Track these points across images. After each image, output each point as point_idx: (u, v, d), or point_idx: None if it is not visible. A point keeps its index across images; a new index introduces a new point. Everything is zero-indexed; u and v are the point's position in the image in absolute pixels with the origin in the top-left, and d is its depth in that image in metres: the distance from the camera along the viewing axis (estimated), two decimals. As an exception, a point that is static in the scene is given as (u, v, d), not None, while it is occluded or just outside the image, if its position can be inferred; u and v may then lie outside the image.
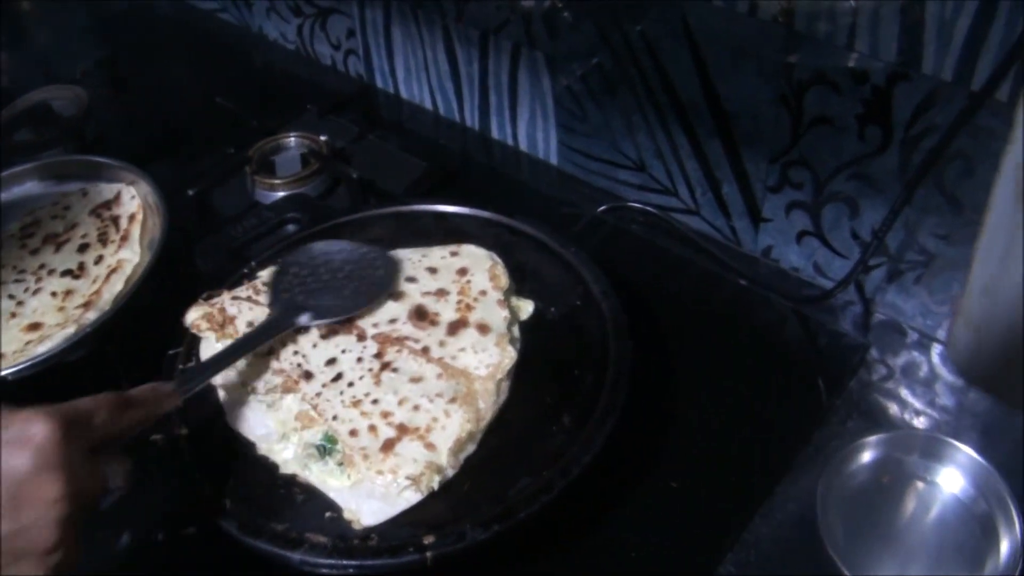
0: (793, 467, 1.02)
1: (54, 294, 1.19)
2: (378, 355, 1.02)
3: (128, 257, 1.21)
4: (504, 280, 1.09)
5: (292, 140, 1.49)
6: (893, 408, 1.09)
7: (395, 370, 1.00)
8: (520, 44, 1.37)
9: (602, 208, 1.37)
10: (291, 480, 0.95)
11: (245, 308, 1.08)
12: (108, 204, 1.31)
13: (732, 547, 0.96)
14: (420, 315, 1.05)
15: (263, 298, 1.09)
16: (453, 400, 0.96)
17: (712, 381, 1.12)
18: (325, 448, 0.95)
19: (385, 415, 0.96)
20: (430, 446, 0.93)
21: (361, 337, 1.04)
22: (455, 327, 1.04)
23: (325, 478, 0.94)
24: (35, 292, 1.19)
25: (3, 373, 1.05)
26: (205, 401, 1.02)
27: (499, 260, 1.12)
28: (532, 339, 1.06)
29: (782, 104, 1.10)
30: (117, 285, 1.18)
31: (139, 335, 1.13)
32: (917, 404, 1.09)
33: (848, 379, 1.11)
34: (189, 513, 0.98)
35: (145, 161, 1.38)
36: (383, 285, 1.08)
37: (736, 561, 0.95)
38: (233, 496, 0.94)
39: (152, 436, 0.99)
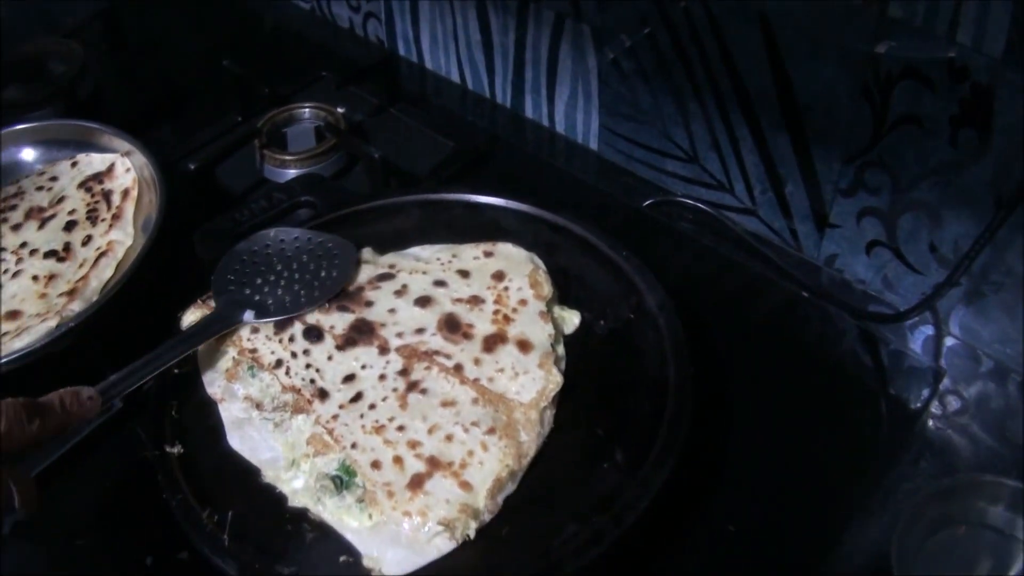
0: (861, 512, 0.92)
1: (35, 278, 1.08)
2: (404, 372, 0.91)
3: (120, 239, 1.11)
4: (547, 288, 0.98)
5: (306, 111, 1.38)
6: (966, 446, 0.99)
7: (424, 391, 0.89)
8: (564, 15, 1.25)
9: (648, 202, 1.26)
10: (301, 515, 0.84)
11: (247, 311, 0.98)
12: (99, 177, 1.20)
13: (797, 603, 0.87)
14: (452, 326, 0.94)
15: None
16: (491, 431, 0.85)
17: (769, 406, 1.02)
18: (342, 481, 0.84)
19: (413, 445, 0.85)
20: (465, 485, 0.82)
21: (383, 350, 0.93)
22: (492, 342, 0.93)
23: (342, 516, 0.83)
24: (15, 275, 1.09)
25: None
26: (204, 416, 0.92)
27: (541, 263, 1.01)
28: (578, 357, 0.95)
29: (864, 98, 1.00)
30: (106, 271, 1.08)
31: (129, 329, 1.01)
32: (992, 443, 0.99)
33: (920, 410, 1.01)
34: (181, 535, 0.86)
35: (143, 127, 1.29)
36: (338, 281, 1.00)
37: (802, 619, 0.86)
38: (232, 530, 0.83)
39: (145, 452, 0.90)
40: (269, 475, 0.87)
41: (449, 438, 0.85)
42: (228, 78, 1.42)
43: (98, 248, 1.10)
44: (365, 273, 1.01)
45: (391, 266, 1.02)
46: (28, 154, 1.27)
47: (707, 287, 1.15)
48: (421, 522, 0.80)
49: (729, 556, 0.89)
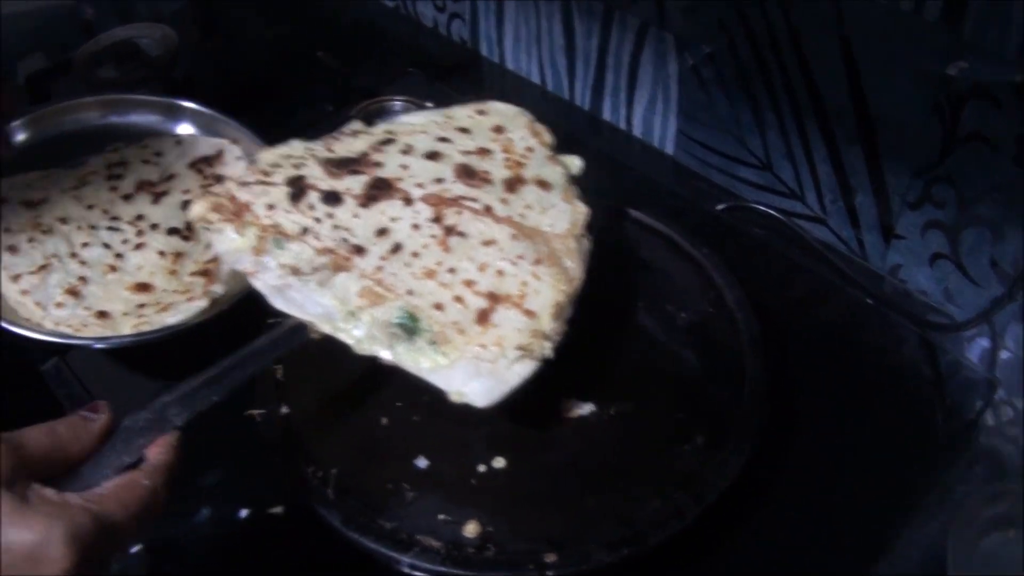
0: (918, 512, 0.95)
1: (162, 254, 1.11)
2: (436, 219, 0.90)
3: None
4: (547, 136, 0.99)
5: (397, 104, 1.42)
6: (1018, 455, 1.02)
7: (462, 234, 0.89)
8: (649, 23, 1.29)
9: (721, 206, 1.30)
10: (401, 476, 0.89)
11: (259, 191, 0.91)
12: (209, 160, 1.23)
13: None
14: (469, 174, 0.94)
15: (277, 178, 0.93)
16: (538, 262, 0.87)
17: (831, 404, 1.05)
18: (409, 327, 0.85)
19: (468, 284, 0.86)
20: (529, 313, 0.83)
21: (408, 201, 0.91)
22: (512, 184, 0.94)
23: (416, 359, 0.85)
24: (137, 247, 1.11)
25: (127, 338, 1.00)
26: (308, 378, 0.97)
27: (532, 116, 1.03)
28: (662, 347, 1.00)
29: (935, 115, 1.03)
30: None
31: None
32: (1046, 453, 1.02)
33: (975, 418, 1.05)
34: (278, 491, 0.93)
35: (234, 111, 1.32)
36: None
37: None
38: (337, 486, 0.88)
39: (248, 411, 0.94)
40: (325, 328, 0.88)
41: (500, 273, 0.86)
42: (318, 68, 1.47)
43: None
44: (364, 141, 0.99)
45: (387, 132, 1.01)
46: (131, 121, 1.30)
47: (776, 290, 1.18)
48: (499, 351, 0.82)
49: (792, 546, 0.92)
